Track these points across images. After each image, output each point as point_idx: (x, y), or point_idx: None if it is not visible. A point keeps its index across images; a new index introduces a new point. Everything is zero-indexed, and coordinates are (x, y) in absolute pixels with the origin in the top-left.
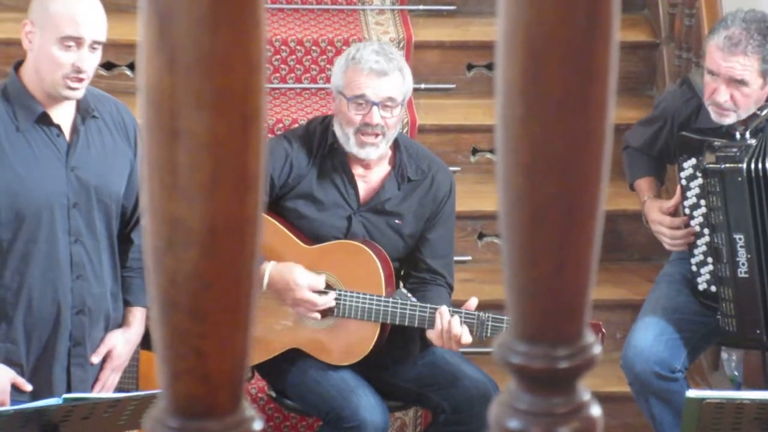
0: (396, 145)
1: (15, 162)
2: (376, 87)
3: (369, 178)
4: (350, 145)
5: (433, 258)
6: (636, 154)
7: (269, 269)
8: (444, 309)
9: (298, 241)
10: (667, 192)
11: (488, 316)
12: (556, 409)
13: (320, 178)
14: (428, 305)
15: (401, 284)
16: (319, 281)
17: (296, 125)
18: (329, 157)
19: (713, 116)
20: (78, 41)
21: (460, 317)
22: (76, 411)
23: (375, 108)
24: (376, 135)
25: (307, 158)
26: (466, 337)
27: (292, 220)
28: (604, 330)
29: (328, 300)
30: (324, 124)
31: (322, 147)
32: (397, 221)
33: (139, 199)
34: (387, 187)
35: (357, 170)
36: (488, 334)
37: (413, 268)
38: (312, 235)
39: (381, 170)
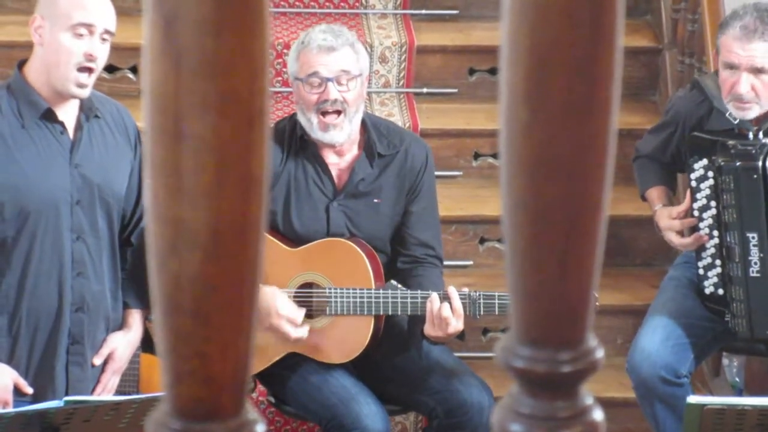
0: (364, 127)
1: (19, 158)
2: (327, 63)
3: (341, 165)
4: (314, 130)
5: (420, 230)
6: (647, 162)
7: None
8: (434, 296)
9: (282, 245)
10: (679, 202)
11: (479, 294)
12: (558, 413)
13: (296, 174)
14: (419, 292)
15: (392, 282)
16: (299, 314)
17: None
18: (302, 151)
19: (734, 113)
20: (90, 28)
21: (451, 302)
22: (78, 414)
23: (330, 84)
24: (338, 113)
25: (279, 155)
26: (455, 324)
27: (274, 223)
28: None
29: (303, 333)
30: (292, 120)
31: (294, 142)
32: (375, 200)
33: (143, 201)
34: (358, 168)
35: (330, 158)
36: (481, 312)
37: (402, 245)
38: (294, 236)
39: (352, 155)
